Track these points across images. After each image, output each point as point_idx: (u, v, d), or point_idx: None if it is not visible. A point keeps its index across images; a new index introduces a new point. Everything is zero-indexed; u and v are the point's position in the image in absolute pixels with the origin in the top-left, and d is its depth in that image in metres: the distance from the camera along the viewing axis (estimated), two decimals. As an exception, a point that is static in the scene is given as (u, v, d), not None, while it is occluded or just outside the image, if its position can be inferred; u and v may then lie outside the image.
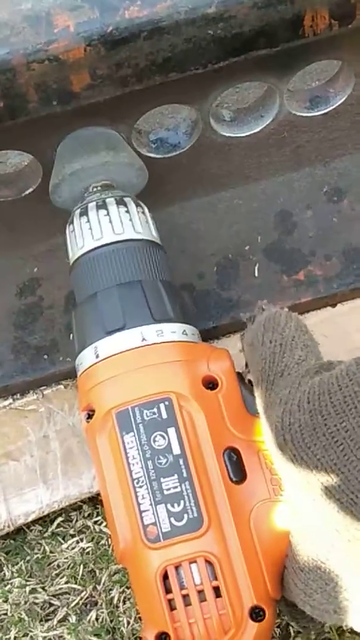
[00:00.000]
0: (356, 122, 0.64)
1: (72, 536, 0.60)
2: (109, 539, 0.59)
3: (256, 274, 0.65)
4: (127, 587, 0.58)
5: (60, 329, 0.64)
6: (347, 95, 0.61)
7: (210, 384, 0.50)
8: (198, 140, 0.61)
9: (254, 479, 0.47)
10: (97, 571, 0.59)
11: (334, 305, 0.65)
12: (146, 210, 0.55)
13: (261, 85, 0.60)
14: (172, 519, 0.45)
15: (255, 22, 0.49)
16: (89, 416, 0.49)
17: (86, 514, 0.61)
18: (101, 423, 0.48)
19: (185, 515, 0.45)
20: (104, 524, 0.60)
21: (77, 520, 0.60)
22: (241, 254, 0.65)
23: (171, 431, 0.47)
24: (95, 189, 0.55)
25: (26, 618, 0.58)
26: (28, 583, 0.59)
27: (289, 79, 0.58)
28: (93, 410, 0.49)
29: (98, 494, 0.58)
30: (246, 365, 0.50)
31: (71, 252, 0.54)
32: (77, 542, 0.60)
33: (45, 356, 0.64)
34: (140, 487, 0.46)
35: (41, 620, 0.58)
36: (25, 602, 0.58)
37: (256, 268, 0.65)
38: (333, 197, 0.67)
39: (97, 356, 0.50)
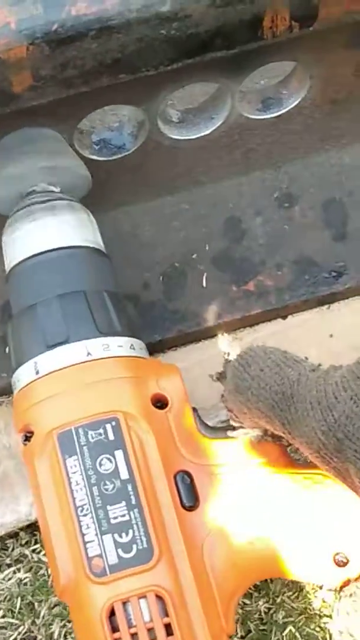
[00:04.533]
0: (309, 126, 0.63)
1: (9, 566, 0.58)
2: (49, 569, 0.56)
3: (204, 284, 0.63)
4: (69, 621, 0.55)
5: (-3, 342, 0.62)
6: (301, 97, 0.60)
7: (160, 402, 0.48)
8: (144, 142, 0.59)
9: (207, 505, 0.46)
10: (36, 604, 0.56)
11: (284, 317, 0.64)
12: (90, 215, 0.53)
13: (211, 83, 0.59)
14: (120, 551, 0.43)
15: (212, 22, 0.48)
16: (27, 438, 0.47)
17: (23, 542, 0.58)
18: (41, 445, 0.46)
19: (134, 546, 0.44)
20: (43, 552, 0.57)
21: (13, 549, 0.58)
22: (188, 263, 0.64)
23: (119, 454, 0.45)
24: (34, 193, 0.53)
25: None
26: None
27: (242, 80, 0.56)
28: (31, 432, 0.47)
29: (37, 521, 0.55)
30: (230, 411, 0.48)
31: (7, 259, 0.52)
32: (14, 572, 0.58)
33: (-19, 371, 0.61)
34: (85, 515, 0.44)
35: (-25, 658, 0.55)
36: None
37: (204, 277, 0.64)
38: (284, 203, 0.66)
39: (37, 372, 0.47)
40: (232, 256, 0.64)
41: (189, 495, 0.46)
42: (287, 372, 0.44)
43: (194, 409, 0.49)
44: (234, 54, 0.51)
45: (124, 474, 0.45)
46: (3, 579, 0.57)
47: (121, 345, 0.48)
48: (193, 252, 0.64)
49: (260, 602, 0.55)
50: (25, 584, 0.57)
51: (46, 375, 0.47)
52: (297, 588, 0.56)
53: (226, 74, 0.55)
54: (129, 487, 0.45)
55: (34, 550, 0.58)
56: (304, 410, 0.42)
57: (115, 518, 0.44)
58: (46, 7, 0.46)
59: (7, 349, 0.55)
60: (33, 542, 0.58)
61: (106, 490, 0.45)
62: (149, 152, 0.60)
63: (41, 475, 0.46)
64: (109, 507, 0.44)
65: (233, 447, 0.47)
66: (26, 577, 0.57)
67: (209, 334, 0.63)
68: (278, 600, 0.55)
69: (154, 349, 0.62)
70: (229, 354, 0.48)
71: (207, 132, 0.60)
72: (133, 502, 0.44)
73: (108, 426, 0.46)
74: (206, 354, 0.63)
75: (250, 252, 0.64)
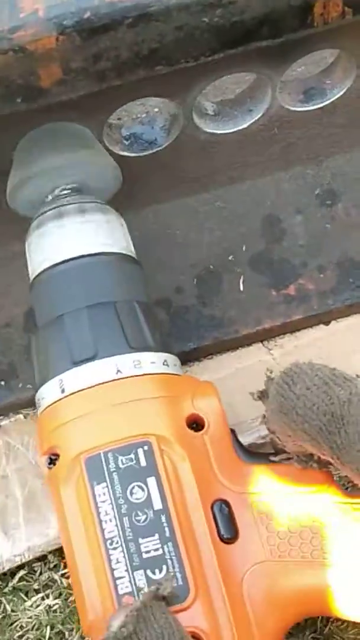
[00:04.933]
0: (354, 118, 0.59)
1: (37, 591, 0.54)
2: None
3: (241, 288, 0.60)
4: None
5: (19, 350, 0.59)
6: (346, 87, 0.56)
7: (195, 424, 0.45)
8: (178, 137, 0.55)
9: (248, 537, 0.42)
10: (66, 632, 0.53)
11: (327, 323, 0.61)
12: (121, 218, 0.50)
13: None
14: (153, 588, 0.40)
15: (259, 9, 0.44)
16: (52, 461, 0.44)
17: (52, 565, 0.55)
18: (67, 470, 0.43)
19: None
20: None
21: (41, 573, 0.55)
22: (224, 265, 0.60)
23: (151, 481, 0.42)
24: (61, 193, 0.50)
25: None
26: (-14, 648, 0.53)
27: (284, 70, 0.53)
28: (57, 455, 0.44)
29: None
30: (272, 433, 0.45)
31: (31, 266, 0.49)
32: (43, 598, 0.54)
33: (2, 382, 0.58)
34: (114, 549, 0.41)
35: None
36: (-17, 670, 0.53)
37: (241, 281, 0.60)
38: (326, 200, 0.62)
39: (63, 391, 0.44)
40: (271, 258, 0.60)
41: (228, 526, 0.42)
42: (337, 392, 0.41)
43: (232, 431, 0.45)
44: (279, 43, 0.47)
45: (157, 504, 0.42)
46: (31, 606, 0.54)
47: (154, 362, 0.45)
48: (229, 253, 0.61)
49: (307, 632, 0.51)
50: (55, 611, 0.54)
51: (72, 394, 0.44)
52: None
53: (268, 63, 0.51)
54: (163, 518, 0.41)
55: (63, 575, 0.54)
56: (355, 433, 0.39)
57: (147, 552, 0.41)
58: (78, -9, 0.43)
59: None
60: (62, 566, 0.54)
61: (138, 521, 0.41)
62: (182, 148, 0.57)
63: (67, 502, 0.43)
64: (140, 540, 0.41)
65: (275, 474, 0.44)
66: (55, 604, 0.54)
67: (247, 341, 0.59)
68: (326, 630, 0.52)
69: (187, 358, 0.59)
70: (272, 371, 0.44)
71: (245, 125, 0.57)
72: (167, 534, 0.41)
73: (140, 451, 0.42)
74: (244, 363, 0.59)
75: (290, 254, 0.60)
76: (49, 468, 0.44)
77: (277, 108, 0.56)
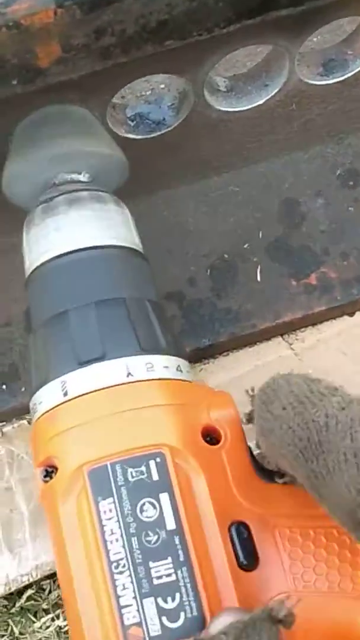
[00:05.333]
0: (378, 91, 0.54)
1: (46, 612, 0.51)
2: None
3: (258, 278, 0.56)
4: None
5: (20, 351, 0.55)
6: (369, 58, 0.52)
7: (211, 436, 0.40)
8: (188, 115, 0.51)
9: (269, 564, 0.38)
10: (78, 656, 0.49)
11: (352, 314, 0.57)
12: (126, 210, 0.46)
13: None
14: (164, 619, 0.36)
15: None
16: (48, 474, 0.40)
17: (61, 583, 0.51)
18: (67, 483, 0.39)
19: (182, 614, 0.36)
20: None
21: (50, 592, 0.51)
22: (240, 254, 0.57)
23: (164, 498, 0.38)
24: (62, 182, 0.46)
25: None
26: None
27: (303, 41, 0.48)
28: (54, 467, 0.40)
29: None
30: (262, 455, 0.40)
31: (28, 260, 0.45)
32: (53, 619, 0.51)
33: (3, 386, 0.55)
34: (121, 573, 0.37)
35: None
36: None
37: (258, 271, 0.56)
38: (348, 181, 0.58)
39: (66, 394, 0.40)
40: (290, 245, 0.57)
41: (247, 551, 0.38)
42: (312, 413, 0.35)
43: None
44: (300, 11, 0.43)
45: (170, 523, 0.37)
46: (40, 628, 0.50)
47: (167, 366, 0.41)
48: (245, 241, 0.57)
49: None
50: (66, 632, 0.50)
51: (76, 397, 0.40)
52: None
53: (286, 34, 0.47)
54: (176, 540, 0.37)
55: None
56: (334, 462, 0.34)
57: (159, 578, 0.37)
58: None
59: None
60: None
61: (148, 542, 0.37)
62: (193, 128, 0.53)
63: (66, 520, 0.38)
64: (151, 564, 0.37)
65: (297, 495, 0.39)
66: (67, 625, 0.50)
67: (266, 336, 0.56)
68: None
69: (202, 355, 0.55)
70: (253, 388, 0.40)
71: (261, 101, 0.53)
72: (181, 558, 0.37)
73: (152, 463, 0.38)
74: (263, 360, 0.55)
75: (311, 240, 0.57)
76: (45, 481, 0.40)
77: (295, 82, 0.52)
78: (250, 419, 0.40)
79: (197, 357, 0.55)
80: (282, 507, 0.40)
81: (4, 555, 0.51)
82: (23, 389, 0.55)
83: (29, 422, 0.55)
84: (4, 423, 0.55)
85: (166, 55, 0.44)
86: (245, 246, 0.57)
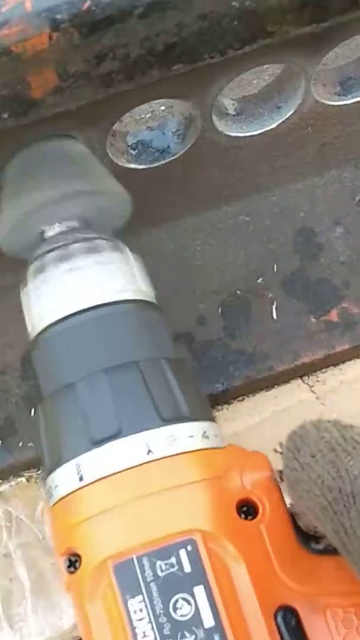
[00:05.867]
0: None
1: None
2: None
3: (274, 316, 0.52)
4: None
5: (16, 402, 0.51)
6: (391, 75, 0.48)
7: (246, 508, 0.36)
8: (195, 142, 0.47)
9: (322, 655, 0.34)
10: None
11: (377, 353, 0.53)
12: (129, 254, 0.41)
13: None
14: None
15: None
16: (72, 564, 0.36)
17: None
18: (92, 578, 0.35)
19: None
20: None
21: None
22: (253, 290, 0.53)
23: (199, 592, 0.34)
24: (59, 230, 0.41)
25: None
26: None
27: (321, 59, 0.44)
28: (78, 556, 0.36)
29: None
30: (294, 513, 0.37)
31: (31, 319, 0.40)
32: None
33: (-1, 441, 0.50)
34: None
35: None
36: None
37: (274, 307, 0.52)
38: (367, 207, 0.54)
39: (81, 478, 0.36)
40: (308, 278, 0.53)
41: None
42: (345, 462, 0.33)
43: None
44: (322, 29, 0.39)
45: (208, 620, 0.33)
46: None
47: (192, 436, 0.37)
48: (258, 275, 0.53)
49: None
50: None
51: (94, 482, 0.35)
52: None
53: (304, 52, 0.43)
54: (216, 638, 0.33)
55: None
56: None
57: None
58: (74, -24, 0.34)
59: (31, 412, 0.48)
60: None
61: (185, 644, 0.33)
62: (200, 155, 0.49)
63: (94, 620, 0.34)
64: (190, 668, 0.33)
65: (345, 567, 0.36)
66: None
67: (284, 378, 0.52)
68: None
69: (216, 401, 0.52)
70: (281, 444, 0.36)
71: (273, 125, 0.49)
72: (223, 659, 0.33)
73: (182, 553, 0.34)
74: (282, 405, 0.51)
75: (330, 273, 0.53)
76: (70, 572, 0.36)
77: (311, 103, 0.48)
78: (282, 477, 0.37)
79: (210, 403, 0.51)
80: (332, 583, 0.36)
81: (3, 632, 0.46)
82: (20, 444, 0.50)
83: (28, 480, 0.51)
84: (0, 481, 0.51)
85: (172, 79, 0.40)
86: (259, 281, 0.53)
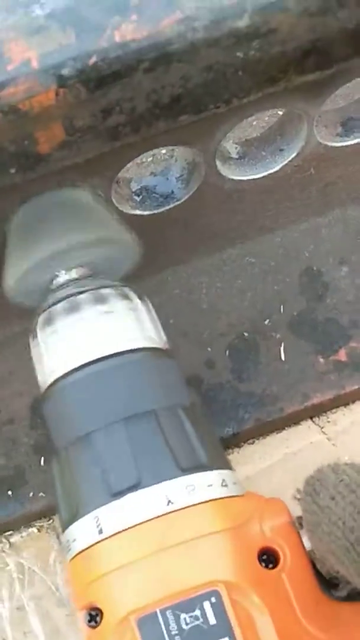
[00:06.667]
0: None
1: None
2: None
3: (282, 357, 0.52)
4: None
5: (26, 451, 0.51)
6: (393, 116, 0.49)
7: (267, 556, 0.36)
8: (198, 187, 0.47)
9: None
10: None
11: (388, 392, 0.53)
12: (138, 302, 0.42)
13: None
14: None
15: (305, 36, 0.36)
16: (92, 618, 0.36)
17: None
18: (115, 633, 0.34)
19: None
20: None
21: None
22: (260, 331, 0.53)
23: (225, 644, 0.34)
24: (67, 278, 0.42)
25: None
26: None
27: (323, 102, 0.45)
28: (98, 610, 0.35)
29: None
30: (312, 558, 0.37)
31: (43, 371, 0.40)
32: None
33: (9, 492, 0.50)
34: None
35: None
36: None
37: (282, 349, 0.52)
38: (372, 245, 0.55)
39: (101, 531, 0.36)
40: (315, 319, 0.53)
41: None
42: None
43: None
44: (326, 75, 0.39)
45: (234, 673, 0.33)
46: None
47: (211, 485, 0.37)
48: (265, 317, 0.53)
49: None
50: None
51: (114, 535, 0.35)
52: None
53: (306, 97, 0.44)
54: None
55: None
56: None
57: None
58: (80, 32, 0.34)
59: (41, 460, 0.49)
60: None
61: None
62: (204, 200, 0.49)
63: None
64: None
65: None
66: None
67: (295, 420, 0.52)
68: None
69: (226, 445, 0.51)
70: (299, 489, 0.36)
71: (276, 168, 0.49)
72: None
73: (206, 605, 0.34)
74: (293, 447, 0.51)
75: (337, 312, 0.53)
76: (90, 626, 0.36)
77: (314, 145, 0.48)
78: (301, 523, 0.37)
79: (220, 447, 0.51)
80: (356, 630, 0.36)
81: None
82: (31, 494, 0.50)
83: (39, 530, 0.51)
84: (11, 532, 0.51)
85: (177, 129, 0.40)
86: (266, 322, 0.53)
